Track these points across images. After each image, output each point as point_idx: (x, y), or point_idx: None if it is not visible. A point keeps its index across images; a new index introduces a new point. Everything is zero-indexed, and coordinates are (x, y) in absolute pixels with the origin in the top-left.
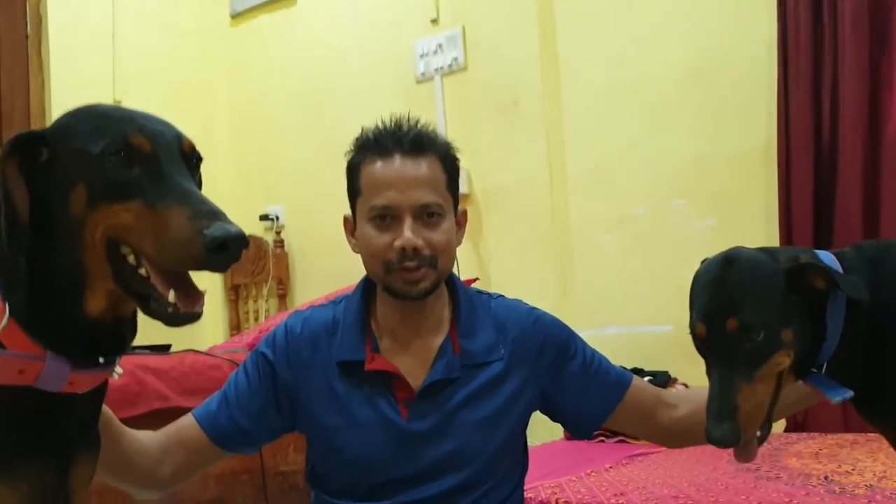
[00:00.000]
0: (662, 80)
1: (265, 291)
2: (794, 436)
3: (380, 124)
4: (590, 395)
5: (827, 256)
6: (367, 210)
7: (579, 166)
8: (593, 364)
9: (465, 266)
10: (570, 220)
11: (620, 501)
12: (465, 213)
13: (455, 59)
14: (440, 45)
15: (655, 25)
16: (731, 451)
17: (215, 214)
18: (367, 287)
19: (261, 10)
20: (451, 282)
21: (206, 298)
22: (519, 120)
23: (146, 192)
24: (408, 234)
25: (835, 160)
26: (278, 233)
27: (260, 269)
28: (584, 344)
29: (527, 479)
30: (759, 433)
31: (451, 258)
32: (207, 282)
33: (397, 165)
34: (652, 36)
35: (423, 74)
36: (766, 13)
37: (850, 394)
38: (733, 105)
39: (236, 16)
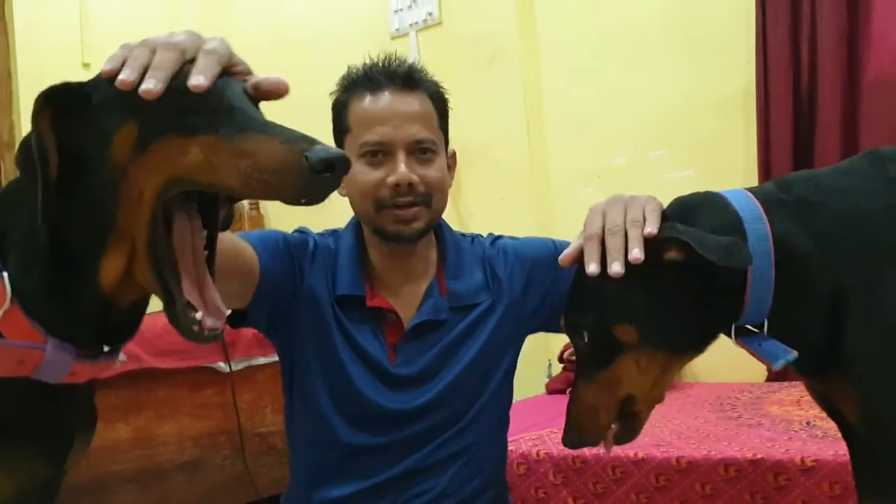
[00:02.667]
0: (640, 27)
1: None
2: (775, 384)
3: (368, 61)
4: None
5: (742, 200)
6: (358, 147)
7: (558, 119)
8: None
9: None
10: (549, 173)
11: (601, 451)
12: (454, 154)
13: (430, 13)
14: (414, 0)
15: None
16: (711, 400)
17: (309, 138)
18: (356, 229)
19: None
20: (438, 224)
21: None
22: (496, 74)
23: (219, 125)
24: (402, 168)
25: (813, 106)
26: None
27: (235, 231)
28: (559, 248)
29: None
30: (613, 426)
31: (445, 197)
32: None
33: (389, 100)
34: None
35: (397, 30)
36: None
37: (793, 355)
38: (712, 51)
39: None
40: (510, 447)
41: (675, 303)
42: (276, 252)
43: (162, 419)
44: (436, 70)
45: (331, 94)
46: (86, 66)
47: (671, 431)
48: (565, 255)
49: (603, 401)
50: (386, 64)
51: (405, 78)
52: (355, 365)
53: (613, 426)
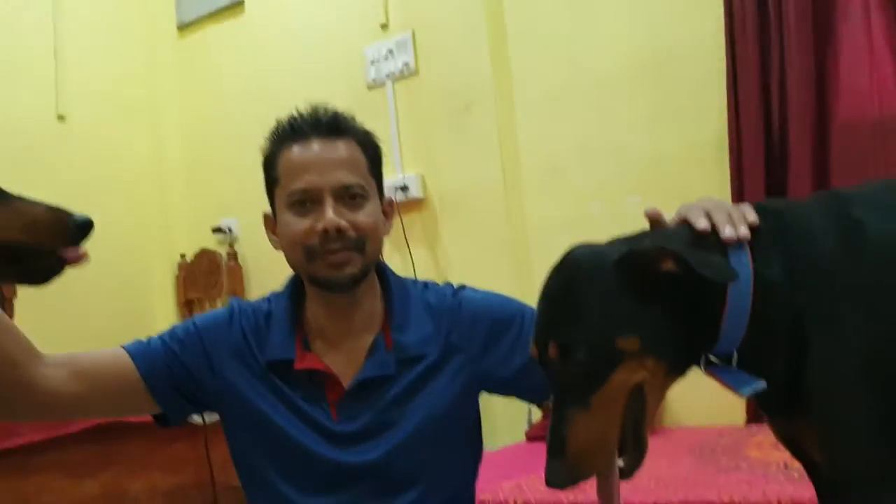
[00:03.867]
0: (613, 76)
1: (219, 305)
2: (755, 427)
3: (295, 113)
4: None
5: None
6: (287, 197)
7: (533, 167)
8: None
9: (423, 272)
10: (526, 221)
11: (580, 499)
12: (391, 202)
13: (406, 64)
14: (390, 51)
15: (603, 23)
16: (691, 446)
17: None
18: (295, 286)
19: (209, 20)
20: (383, 273)
21: (159, 313)
22: (472, 123)
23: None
24: (330, 214)
25: (785, 149)
26: (231, 245)
27: (213, 283)
28: (527, 311)
29: (487, 480)
30: (620, 461)
31: (379, 243)
32: (159, 296)
33: (315, 148)
34: (600, 34)
35: (374, 80)
36: (713, 5)
37: (760, 384)
38: (684, 99)
39: (184, 27)
40: (487, 496)
41: (667, 317)
42: (161, 354)
43: (133, 474)
44: (413, 120)
45: (262, 149)
46: (61, 118)
47: (650, 478)
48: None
49: (607, 422)
50: (311, 113)
51: (330, 125)
52: (295, 426)
53: (620, 462)
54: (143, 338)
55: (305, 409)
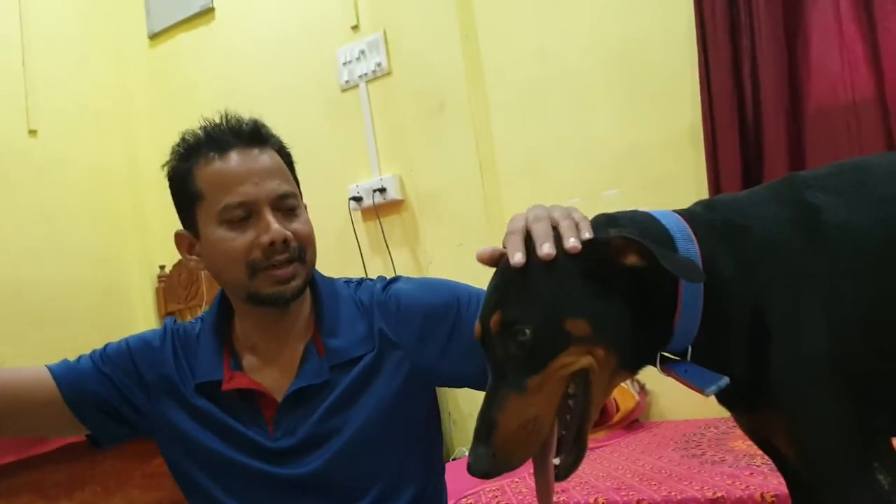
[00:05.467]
0: (586, 70)
1: None
2: None
3: (206, 123)
4: (474, 352)
5: (671, 220)
6: (218, 213)
7: (510, 164)
8: (469, 317)
9: (404, 274)
10: (505, 217)
11: (561, 499)
12: (306, 207)
13: (378, 64)
14: (362, 52)
15: (574, 16)
16: (676, 439)
17: None
18: (223, 302)
19: (179, 28)
20: (311, 277)
21: (141, 326)
22: (447, 122)
23: None
24: (275, 225)
25: (759, 138)
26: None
27: (194, 294)
28: (463, 296)
29: (468, 484)
30: (556, 459)
31: (315, 251)
32: (140, 308)
33: (241, 158)
34: (571, 28)
35: (347, 82)
36: None
37: (724, 381)
38: (657, 90)
39: (154, 36)
40: (469, 500)
41: (623, 308)
42: (89, 374)
43: (109, 493)
44: (387, 120)
45: (163, 165)
46: (32, 132)
47: (633, 474)
48: (483, 253)
49: (541, 408)
50: (228, 122)
51: (252, 134)
52: (230, 448)
53: (556, 460)
54: (72, 358)
55: (239, 430)
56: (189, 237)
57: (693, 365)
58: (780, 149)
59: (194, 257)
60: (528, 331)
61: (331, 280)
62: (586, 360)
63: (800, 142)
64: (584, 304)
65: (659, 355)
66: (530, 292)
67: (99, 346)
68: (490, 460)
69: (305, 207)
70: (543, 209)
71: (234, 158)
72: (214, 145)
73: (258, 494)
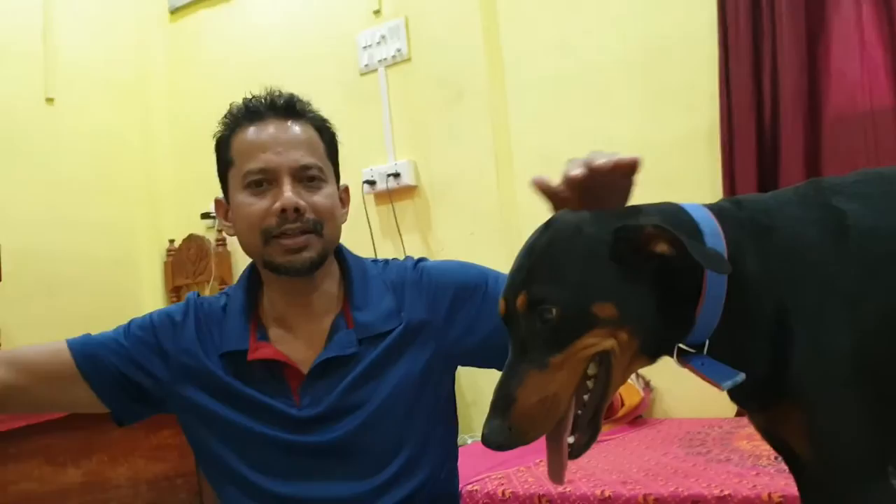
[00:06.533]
0: (606, 66)
1: (207, 291)
2: (744, 420)
3: (249, 95)
4: (500, 332)
5: (701, 213)
6: (242, 177)
7: (526, 155)
8: (497, 297)
9: None
10: (518, 209)
11: (567, 490)
12: (347, 189)
13: (398, 50)
14: (383, 37)
15: (596, 11)
16: (681, 436)
17: None
18: (252, 274)
19: (200, 4)
20: (341, 255)
21: (148, 299)
22: (464, 110)
23: None
24: (288, 193)
25: (776, 141)
26: (220, 231)
27: (202, 269)
28: (490, 277)
29: (475, 471)
30: (571, 438)
31: (338, 227)
32: (148, 281)
33: (272, 129)
34: (594, 22)
35: (366, 66)
36: None
37: (741, 376)
38: (677, 89)
39: (175, 11)
40: (474, 486)
41: (649, 295)
42: (109, 350)
43: (115, 462)
44: (405, 106)
45: (214, 134)
46: (49, 101)
47: (639, 468)
48: (538, 179)
49: (562, 386)
50: (267, 95)
51: (286, 107)
52: (253, 419)
53: (571, 439)
54: (77, 328)
55: (264, 401)
56: (224, 203)
57: (709, 359)
58: (797, 154)
59: (228, 223)
60: (554, 310)
61: (359, 258)
62: (609, 343)
63: (816, 148)
64: (611, 288)
65: (676, 347)
66: (558, 272)
67: (105, 316)
68: (506, 433)
69: (346, 189)
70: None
71: (265, 128)
72: (249, 115)
73: (281, 463)
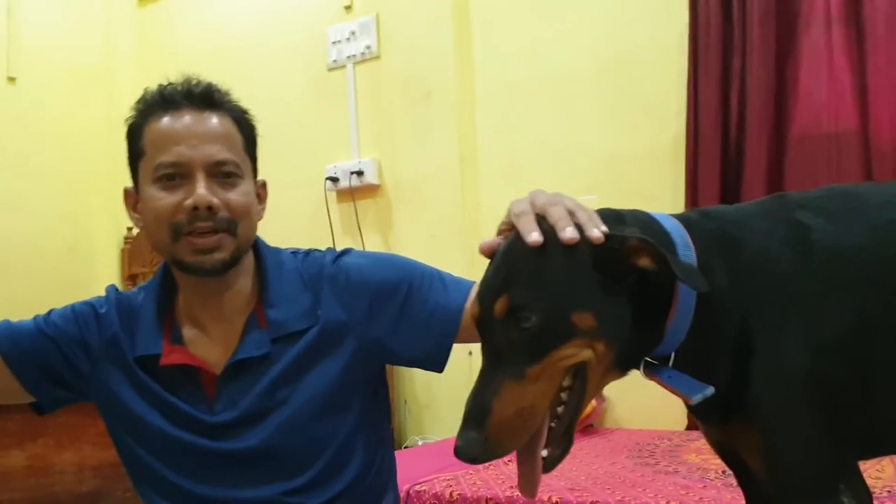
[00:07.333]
0: (575, 74)
1: None
2: (694, 433)
3: (165, 82)
4: (423, 331)
5: (671, 224)
6: (153, 170)
7: (491, 159)
8: (421, 296)
9: None
10: (480, 213)
11: (515, 494)
12: (265, 185)
13: (368, 47)
14: (353, 33)
15: (568, 20)
16: (630, 447)
17: None
18: (167, 270)
19: None
20: (257, 247)
21: (102, 286)
22: (431, 111)
23: None
24: (201, 189)
25: (741, 158)
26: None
27: (159, 259)
28: (416, 275)
29: (424, 472)
30: (545, 451)
31: (253, 226)
32: (103, 268)
33: (187, 119)
34: (565, 30)
35: (334, 62)
36: (678, 8)
37: (710, 390)
38: (644, 101)
39: None
40: (423, 487)
41: (626, 307)
42: (32, 337)
43: (61, 447)
44: (372, 103)
45: (126, 119)
46: (11, 80)
47: (587, 476)
48: (486, 245)
49: (538, 398)
50: (184, 84)
51: (204, 97)
52: (169, 423)
53: (544, 452)
54: (14, 320)
55: (179, 406)
56: (132, 193)
57: (676, 372)
58: (760, 171)
59: (136, 215)
60: (534, 318)
61: (276, 251)
62: (587, 354)
63: (780, 166)
64: (592, 298)
65: (644, 359)
66: (539, 279)
67: (60, 302)
68: (482, 445)
69: (264, 185)
70: (553, 194)
71: (179, 119)
72: (164, 104)
73: (201, 470)
